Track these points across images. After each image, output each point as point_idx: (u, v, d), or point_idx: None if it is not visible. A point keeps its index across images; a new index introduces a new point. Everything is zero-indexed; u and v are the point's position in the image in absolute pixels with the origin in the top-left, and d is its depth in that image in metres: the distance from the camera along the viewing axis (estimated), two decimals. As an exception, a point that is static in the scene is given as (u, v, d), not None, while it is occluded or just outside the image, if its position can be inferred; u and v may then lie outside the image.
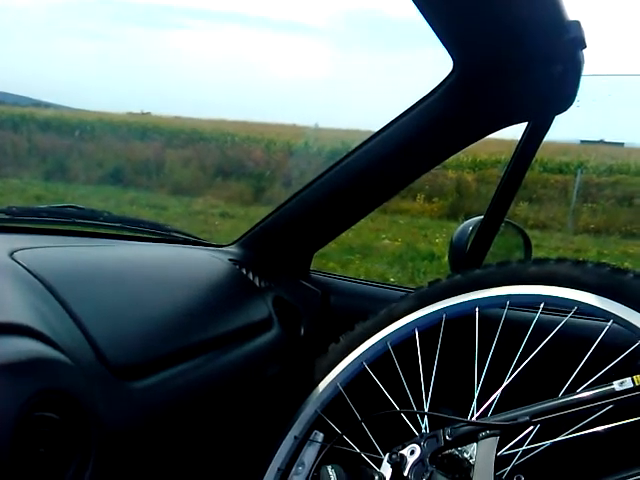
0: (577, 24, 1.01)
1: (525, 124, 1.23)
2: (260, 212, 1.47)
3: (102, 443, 0.73)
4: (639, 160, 9.43)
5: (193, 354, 1.00)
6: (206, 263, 1.29)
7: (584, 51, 1.08)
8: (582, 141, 11.08)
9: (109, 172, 8.58)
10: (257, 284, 1.34)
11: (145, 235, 1.36)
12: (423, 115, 1.22)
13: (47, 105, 11.30)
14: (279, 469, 1.19)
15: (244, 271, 1.34)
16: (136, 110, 12.19)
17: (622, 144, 10.99)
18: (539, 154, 1.32)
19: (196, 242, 1.44)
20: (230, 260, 1.35)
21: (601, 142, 11.29)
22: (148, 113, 12.10)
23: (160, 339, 0.96)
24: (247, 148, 9.95)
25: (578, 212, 8.18)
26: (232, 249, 1.43)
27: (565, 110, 1.17)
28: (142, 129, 10.41)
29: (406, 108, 1.24)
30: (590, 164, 9.23)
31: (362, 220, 1.43)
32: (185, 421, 0.94)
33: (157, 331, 0.97)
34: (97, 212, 1.30)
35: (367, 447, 1.08)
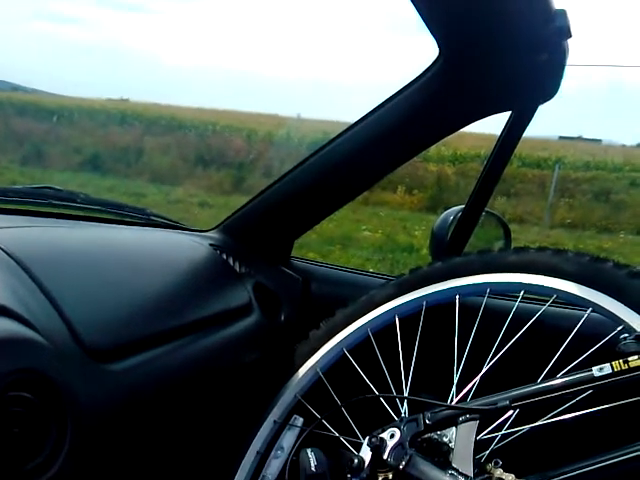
0: (563, 13, 1.01)
1: (508, 113, 1.23)
2: (240, 202, 1.45)
3: (78, 424, 0.72)
4: (616, 157, 9.57)
5: (171, 337, 0.99)
6: (186, 247, 1.28)
7: (569, 41, 1.08)
8: (560, 137, 11.23)
9: (87, 158, 8.46)
10: (237, 270, 1.33)
11: (124, 218, 1.34)
12: (406, 102, 1.22)
13: (25, 90, 11.10)
14: (258, 452, 1.18)
15: (224, 256, 1.33)
16: (115, 96, 12.03)
17: (600, 141, 11.16)
18: (518, 149, 1.33)
19: (176, 226, 1.42)
20: (211, 245, 1.33)
21: (579, 138, 11.46)
22: (127, 99, 11.95)
23: (137, 322, 0.95)
24: (228, 137, 9.88)
25: (555, 207, 8.28)
26: (213, 234, 1.42)
27: (549, 100, 1.18)
28: (121, 115, 10.27)
29: (389, 95, 1.23)
30: (568, 160, 9.35)
31: (343, 211, 1.42)
32: (163, 404, 0.93)
33: (134, 314, 0.96)
34: (75, 194, 1.27)
35: (347, 432, 1.08)
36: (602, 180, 8.84)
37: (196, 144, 9.63)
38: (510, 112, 1.22)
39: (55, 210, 1.22)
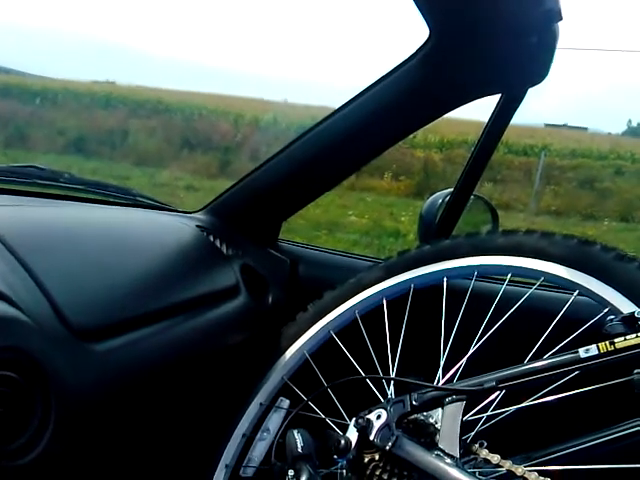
0: (554, -5, 1.01)
1: (498, 97, 1.23)
2: (226, 185, 1.44)
3: (62, 404, 0.71)
4: (602, 145, 9.63)
5: (157, 318, 0.98)
6: (172, 228, 1.27)
7: (560, 24, 1.08)
8: (547, 124, 11.28)
9: (71, 141, 8.34)
10: (224, 251, 1.32)
11: (109, 199, 1.32)
12: (396, 84, 1.21)
13: (8, 71, 10.90)
14: (244, 435, 1.18)
15: (211, 238, 1.32)
16: (101, 79, 11.86)
17: (586, 129, 11.22)
18: (505, 136, 1.33)
19: (162, 207, 1.41)
20: (197, 226, 1.32)
21: (565, 126, 11.51)
22: (113, 82, 11.78)
23: (123, 302, 0.94)
24: (214, 120, 9.79)
25: (541, 194, 8.33)
26: (199, 216, 1.41)
27: (539, 83, 1.17)
28: (106, 98, 10.13)
29: (378, 77, 1.22)
30: (554, 147, 9.39)
31: (329, 196, 1.42)
32: (149, 385, 0.92)
33: (120, 294, 0.95)
34: (59, 173, 1.25)
35: (334, 414, 1.08)
36: (587, 168, 8.90)
37: (182, 127, 9.54)
38: (500, 95, 1.22)
39: (39, 189, 1.20)
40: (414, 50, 1.17)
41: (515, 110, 1.24)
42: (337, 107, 1.27)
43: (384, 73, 1.22)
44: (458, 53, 1.14)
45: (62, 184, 1.24)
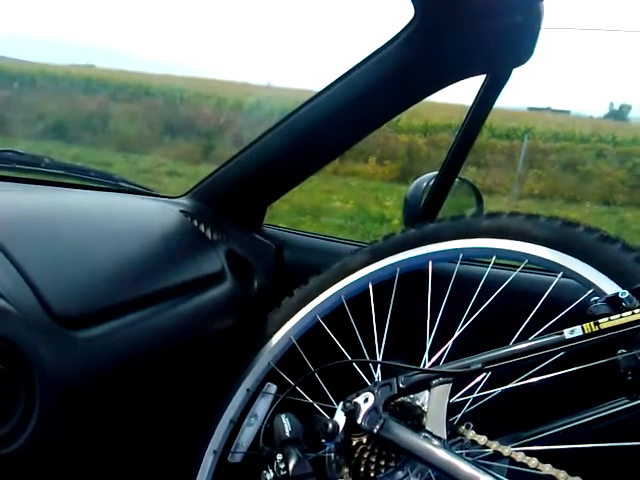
0: (538, -25, 1.00)
1: (483, 77, 1.22)
2: (210, 171, 1.42)
3: (47, 392, 0.70)
4: (584, 128, 9.69)
5: (142, 305, 0.97)
6: (156, 214, 1.25)
7: (544, 3, 1.07)
8: (530, 108, 11.32)
9: (51, 126, 8.20)
10: (209, 236, 1.30)
11: (91, 184, 1.30)
12: (380, 65, 1.19)
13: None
14: (231, 421, 1.18)
15: (195, 223, 1.30)
16: (80, 62, 11.66)
17: (568, 112, 11.28)
18: (488, 120, 1.33)
19: (144, 192, 1.39)
20: (181, 211, 1.30)
21: (548, 109, 11.57)
22: (92, 65, 11.59)
23: (107, 289, 0.93)
24: (197, 105, 9.67)
25: (524, 178, 8.37)
26: (183, 201, 1.39)
27: (524, 63, 1.17)
28: (86, 82, 9.96)
29: (362, 58, 1.21)
30: (537, 131, 9.43)
31: (314, 181, 1.41)
32: (135, 372, 0.91)
33: (104, 280, 0.94)
34: (39, 158, 1.23)
35: (321, 399, 1.08)
36: (570, 151, 8.95)
37: (164, 112, 9.41)
38: (485, 76, 1.21)
39: (19, 175, 1.17)
40: (398, 30, 1.16)
41: (500, 91, 1.24)
42: (320, 89, 1.26)
43: (368, 54, 1.20)
44: (443, 33, 1.13)
45: (42, 169, 1.21)
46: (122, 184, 1.35)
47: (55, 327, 0.78)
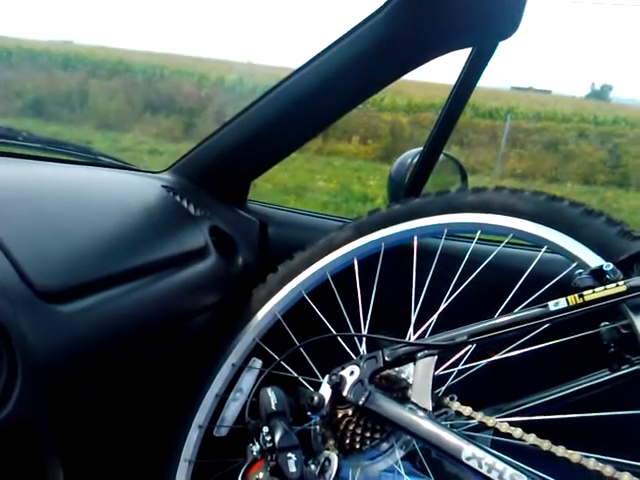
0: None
1: (469, 51, 1.21)
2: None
3: (28, 367, 0.69)
4: (566, 107, 9.73)
5: (124, 279, 0.96)
6: (137, 188, 1.23)
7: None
8: (513, 87, 11.34)
9: (29, 103, 8.03)
10: (192, 212, 1.28)
11: (69, 158, 1.27)
12: (363, 38, 1.17)
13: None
14: (217, 395, 1.18)
15: (178, 198, 1.28)
16: (58, 38, 11.40)
17: (550, 91, 11.33)
18: (471, 99, 1.32)
19: (125, 167, 1.36)
20: (163, 187, 1.28)
21: (530, 89, 11.60)
22: (70, 42, 11.35)
23: (89, 263, 0.91)
24: (177, 82, 9.52)
25: (506, 157, 8.40)
26: (164, 176, 1.37)
27: (509, 36, 1.16)
28: (64, 58, 9.74)
29: (346, 31, 1.19)
30: (519, 110, 9.45)
31: (297, 161, 1.39)
32: (119, 347, 0.90)
33: (86, 255, 0.92)
34: (15, 131, 1.20)
35: (307, 374, 1.08)
36: (552, 131, 8.99)
37: (144, 89, 9.26)
38: (470, 49, 1.20)
39: (-5, 148, 1.14)
40: (382, 3, 1.14)
41: (486, 65, 1.23)
42: (303, 63, 1.24)
43: (351, 27, 1.18)
44: (427, 5, 1.11)
45: (19, 142, 1.18)
46: (101, 158, 1.33)
47: (36, 301, 0.77)
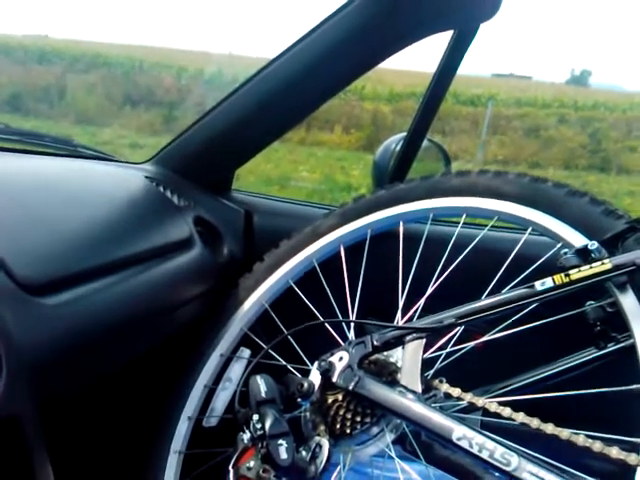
0: None
1: (450, 34, 1.21)
2: (172, 142, 1.37)
3: (13, 360, 0.68)
4: (546, 93, 9.79)
5: (109, 271, 0.94)
6: (120, 179, 1.21)
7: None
8: (494, 74, 11.39)
9: (5, 99, 7.89)
10: (176, 202, 1.27)
11: (48, 150, 1.25)
12: (343, 23, 1.17)
13: None
14: (205, 386, 1.17)
15: (161, 189, 1.27)
16: (32, 32, 11.21)
17: (530, 78, 11.40)
18: (452, 86, 1.32)
19: (106, 158, 1.34)
20: (146, 177, 1.27)
21: (511, 75, 11.66)
22: (46, 36, 11.17)
23: (72, 255, 0.90)
24: (157, 75, 9.41)
25: (488, 144, 8.44)
26: (147, 167, 1.35)
27: (491, 18, 1.16)
28: (40, 52, 9.58)
29: (326, 16, 1.18)
30: (500, 97, 9.49)
31: (280, 152, 1.38)
32: (105, 339, 0.89)
33: (69, 247, 0.90)
34: (-9, 124, 1.17)
35: (295, 362, 1.08)
36: (533, 117, 9.05)
37: (123, 82, 9.14)
38: (452, 31, 1.20)
39: (-29, 142, 1.12)
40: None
41: (467, 48, 1.23)
42: (283, 49, 1.23)
43: (330, 13, 1.17)
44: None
45: (-5, 135, 1.16)
46: (81, 150, 1.30)
47: (19, 294, 0.75)
